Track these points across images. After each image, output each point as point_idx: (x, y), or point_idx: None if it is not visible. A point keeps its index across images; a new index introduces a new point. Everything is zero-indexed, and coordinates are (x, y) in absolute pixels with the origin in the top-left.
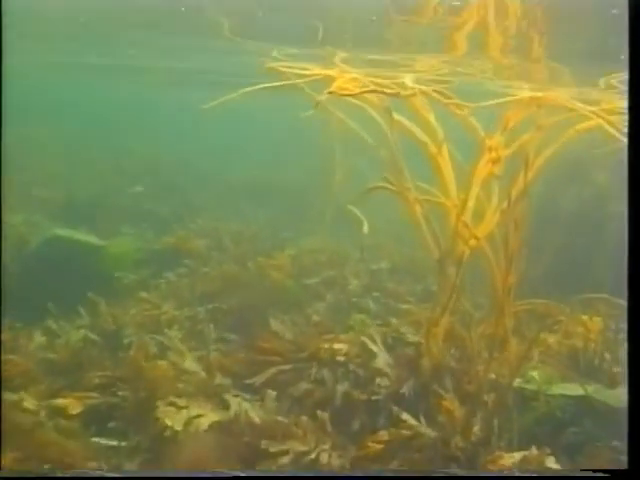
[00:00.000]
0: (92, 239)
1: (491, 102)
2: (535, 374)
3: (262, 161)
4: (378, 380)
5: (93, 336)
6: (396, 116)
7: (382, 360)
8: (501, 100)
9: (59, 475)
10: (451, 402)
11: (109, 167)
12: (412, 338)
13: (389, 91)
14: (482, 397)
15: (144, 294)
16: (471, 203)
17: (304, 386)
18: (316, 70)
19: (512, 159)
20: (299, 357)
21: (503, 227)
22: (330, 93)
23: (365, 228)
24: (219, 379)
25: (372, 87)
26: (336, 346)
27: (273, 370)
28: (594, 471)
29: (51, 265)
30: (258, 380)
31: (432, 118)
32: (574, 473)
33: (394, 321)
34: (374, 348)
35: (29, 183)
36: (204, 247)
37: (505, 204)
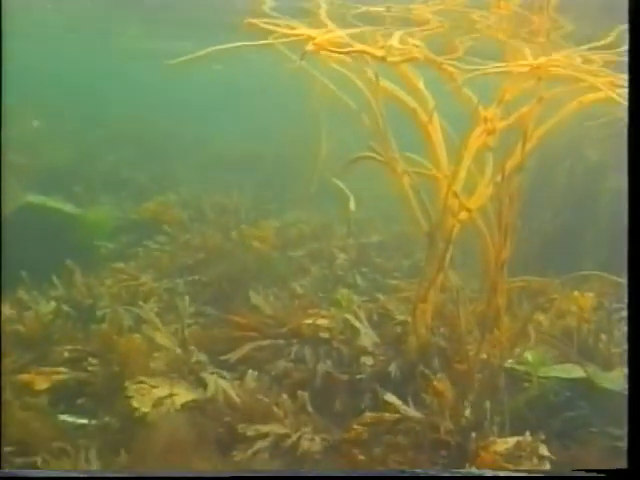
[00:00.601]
0: (68, 207)
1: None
2: (529, 355)
3: (244, 128)
4: (363, 359)
5: (66, 308)
6: (382, 82)
7: (367, 338)
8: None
9: (59, 475)
10: (440, 383)
11: (87, 134)
12: (399, 316)
13: (374, 52)
14: (473, 378)
15: (121, 264)
16: (463, 174)
17: (283, 364)
18: (301, 29)
19: (508, 131)
20: (279, 332)
21: (496, 201)
22: (305, 53)
23: (352, 204)
24: (195, 355)
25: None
26: (319, 322)
27: (251, 346)
28: (594, 471)
29: (25, 234)
30: (234, 357)
31: (421, 84)
32: (574, 473)
33: (381, 297)
34: (358, 325)
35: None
36: (185, 218)
37: (499, 177)
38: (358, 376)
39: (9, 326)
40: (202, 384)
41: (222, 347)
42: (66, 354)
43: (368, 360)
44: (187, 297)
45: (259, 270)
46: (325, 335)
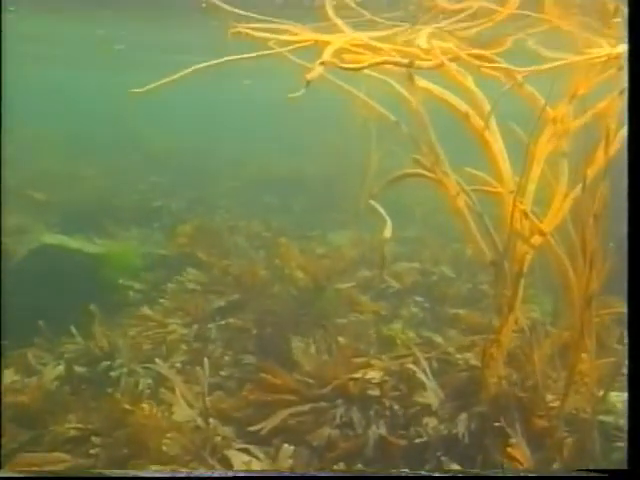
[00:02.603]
0: (89, 247)
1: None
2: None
3: (281, 146)
4: (424, 419)
5: (78, 368)
6: (422, 82)
7: (427, 391)
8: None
9: (59, 475)
10: (516, 449)
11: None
12: (464, 358)
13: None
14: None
15: (147, 310)
16: (532, 188)
17: (327, 432)
18: (305, 34)
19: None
20: (320, 394)
21: (577, 219)
22: (323, 64)
23: (387, 231)
24: (218, 428)
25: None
26: (369, 375)
27: (287, 412)
28: (594, 471)
29: (40, 279)
30: (266, 427)
31: (471, 83)
32: (574, 473)
33: (439, 338)
34: (418, 374)
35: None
36: (219, 250)
37: (579, 189)
38: (418, 440)
39: (11, 397)
40: (227, 464)
41: (252, 414)
42: (69, 432)
43: (430, 420)
44: (207, 361)
45: (299, 309)
46: (376, 392)
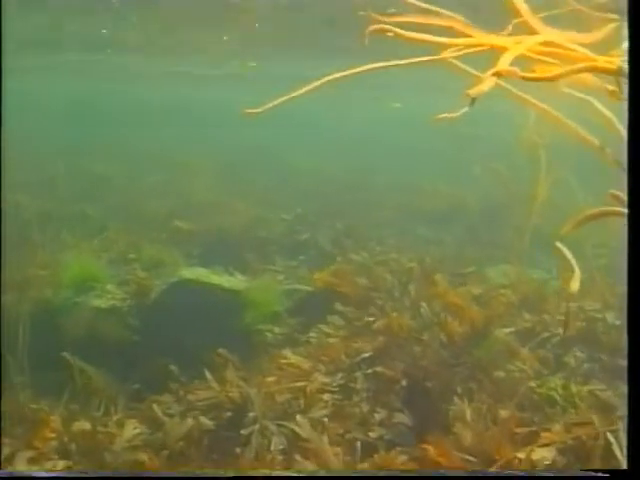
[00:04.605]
0: (229, 281)
1: None
2: None
3: (441, 172)
4: None
5: (205, 420)
6: None
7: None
8: None
9: (59, 475)
10: None
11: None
12: None
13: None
14: None
15: (288, 355)
16: None
17: None
18: (476, 35)
19: None
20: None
21: None
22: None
23: (574, 284)
24: None
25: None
26: (536, 454)
27: None
28: (594, 471)
29: (175, 316)
30: None
31: None
32: (574, 473)
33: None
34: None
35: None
36: (367, 289)
37: None
38: None
39: (129, 455)
40: None
41: None
42: None
43: None
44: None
45: (452, 358)
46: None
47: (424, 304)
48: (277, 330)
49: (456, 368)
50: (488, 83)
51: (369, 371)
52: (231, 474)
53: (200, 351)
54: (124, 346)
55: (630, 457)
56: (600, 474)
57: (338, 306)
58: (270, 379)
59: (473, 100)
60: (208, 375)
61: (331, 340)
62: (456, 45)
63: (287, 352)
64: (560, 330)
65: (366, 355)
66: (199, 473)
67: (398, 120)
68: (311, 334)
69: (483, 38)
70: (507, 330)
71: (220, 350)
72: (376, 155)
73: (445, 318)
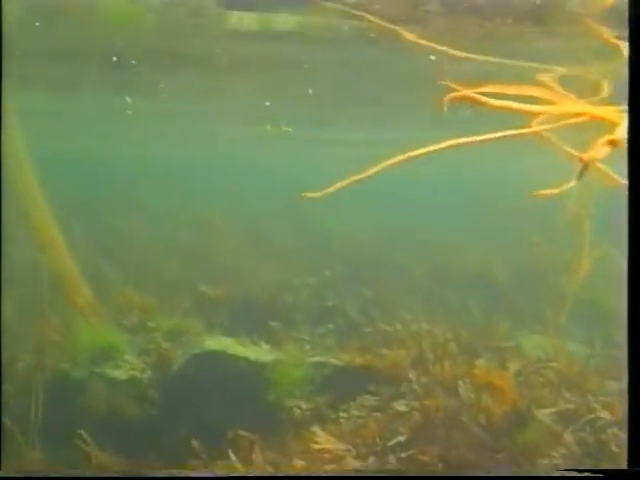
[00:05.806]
0: (255, 353)
1: None
2: None
3: (467, 235)
4: None
5: None
6: None
7: None
8: None
9: (59, 475)
10: None
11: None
12: None
13: None
14: None
15: (319, 434)
16: None
17: None
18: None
19: None
20: None
21: None
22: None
23: None
24: None
25: None
26: None
27: None
28: (594, 471)
29: (198, 391)
30: None
31: None
32: (575, 473)
33: None
34: None
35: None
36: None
37: None
38: None
39: None
40: None
41: None
42: None
43: None
44: None
45: (492, 442)
46: None
47: (462, 382)
48: (305, 406)
49: (496, 455)
50: (603, 150)
51: (403, 455)
52: None
53: (223, 427)
54: (143, 420)
55: (630, 457)
56: (600, 474)
57: (369, 384)
58: (298, 463)
59: (584, 168)
60: (232, 455)
61: (362, 421)
62: (548, 113)
63: (316, 429)
64: (606, 414)
65: (399, 436)
66: (199, 473)
67: (430, 183)
68: (341, 414)
69: (575, 107)
70: (548, 410)
71: (243, 432)
72: (406, 219)
73: (482, 398)
